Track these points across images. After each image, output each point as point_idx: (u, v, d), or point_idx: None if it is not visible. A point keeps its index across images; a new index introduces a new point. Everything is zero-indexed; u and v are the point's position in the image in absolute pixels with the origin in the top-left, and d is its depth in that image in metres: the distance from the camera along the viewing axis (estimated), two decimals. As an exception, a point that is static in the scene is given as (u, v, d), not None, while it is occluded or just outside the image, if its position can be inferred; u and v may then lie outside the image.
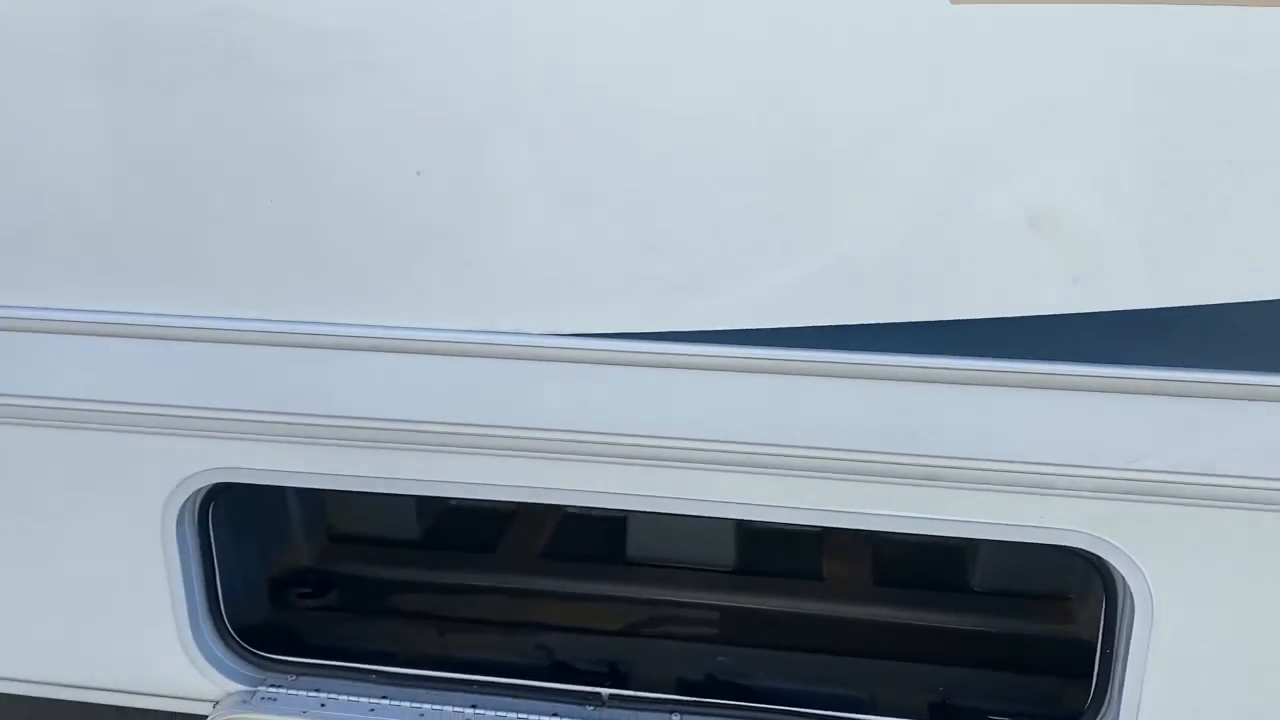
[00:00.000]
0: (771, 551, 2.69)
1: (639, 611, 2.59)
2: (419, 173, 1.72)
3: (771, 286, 1.67)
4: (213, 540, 2.13)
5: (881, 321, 1.65)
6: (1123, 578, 1.82)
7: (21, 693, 2.26)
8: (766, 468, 1.80)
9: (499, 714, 2.07)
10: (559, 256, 1.73)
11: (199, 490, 2.03)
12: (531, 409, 1.81)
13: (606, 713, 2.11)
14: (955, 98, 1.56)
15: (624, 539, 2.72)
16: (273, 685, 2.15)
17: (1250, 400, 1.65)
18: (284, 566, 2.65)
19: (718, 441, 1.77)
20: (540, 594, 2.66)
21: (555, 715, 2.08)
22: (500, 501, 2.19)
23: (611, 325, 1.76)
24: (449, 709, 2.07)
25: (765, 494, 1.81)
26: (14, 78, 1.75)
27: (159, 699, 2.21)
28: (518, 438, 1.85)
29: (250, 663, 2.19)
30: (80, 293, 1.87)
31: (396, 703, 2.10)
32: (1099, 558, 1.81)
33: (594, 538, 2.76)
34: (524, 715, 2.07)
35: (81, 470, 2.02)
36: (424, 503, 2.76)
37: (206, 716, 2.14)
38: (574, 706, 2.10)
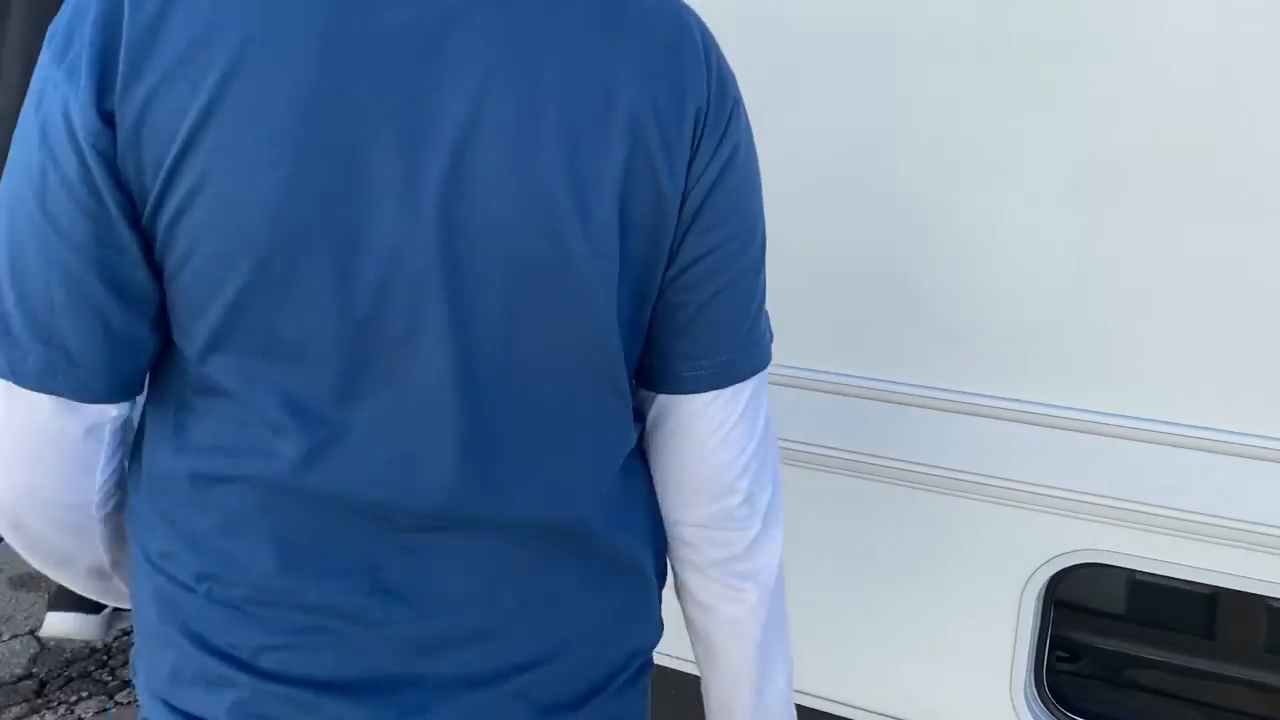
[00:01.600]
0: None
1: None
2: None
3: None
4: (1051, 608, 2.32)
5: None
6: None
7: (838, 713, 2.57)
8: None
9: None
10: None
11: (1061, 568, 2.22)
12: None
13: None
14: None
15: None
16: (1093, 750, 2.31)
17: None
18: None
19: None
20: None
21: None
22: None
23: None
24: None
25: None
26: (1007, 201, 2.01)
27: (973, 741, 2.44)
28: None
29: (1066, 725, 2.36)
30: (1011, 383, 2.11)
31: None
32: None
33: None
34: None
35: (960, 533, 2.28)
36: (1143, 582, 2.83)
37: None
38: None
